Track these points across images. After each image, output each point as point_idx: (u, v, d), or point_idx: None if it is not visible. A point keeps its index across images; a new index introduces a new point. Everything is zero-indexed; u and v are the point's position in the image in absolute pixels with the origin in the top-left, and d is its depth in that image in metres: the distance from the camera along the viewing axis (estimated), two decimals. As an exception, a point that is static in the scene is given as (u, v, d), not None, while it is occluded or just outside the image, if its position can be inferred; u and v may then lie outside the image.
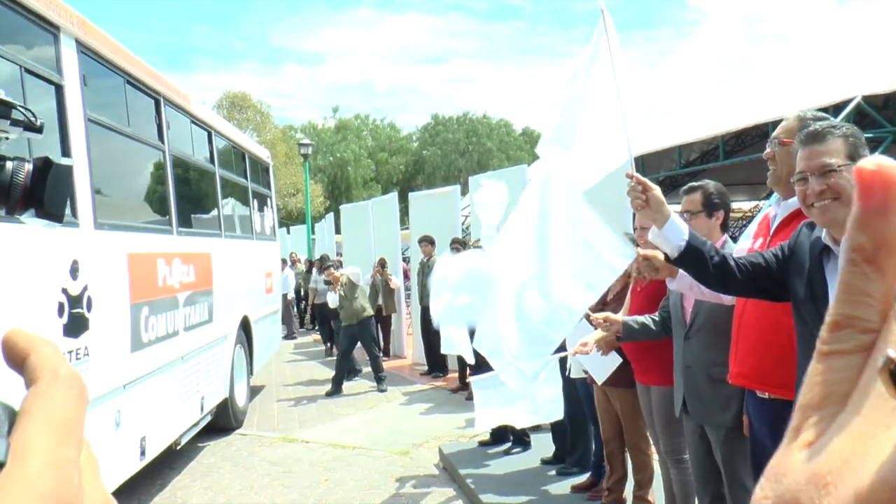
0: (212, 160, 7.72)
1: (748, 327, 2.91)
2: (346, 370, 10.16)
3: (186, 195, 6.99)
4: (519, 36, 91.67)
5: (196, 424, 6.60)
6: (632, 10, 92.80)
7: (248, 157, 9.58)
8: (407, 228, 13.15)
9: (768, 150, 2.88)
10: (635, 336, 3.90)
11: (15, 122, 1.60)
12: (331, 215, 19.86)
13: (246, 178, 9.30)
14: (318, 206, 38.75)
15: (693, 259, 2.60)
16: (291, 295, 17.51)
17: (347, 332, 10.14)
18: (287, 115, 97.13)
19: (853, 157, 2.22)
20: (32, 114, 1.65)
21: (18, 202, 1.58)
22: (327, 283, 10.82)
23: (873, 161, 0.32)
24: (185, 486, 6.26)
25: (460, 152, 53.64)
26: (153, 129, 5.99)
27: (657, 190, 2.68)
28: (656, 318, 3.89)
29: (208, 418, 7.10)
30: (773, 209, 3.00)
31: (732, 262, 2.59)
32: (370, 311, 10.26)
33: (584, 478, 5.45)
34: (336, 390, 9.92)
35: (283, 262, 18.70)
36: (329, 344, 14.97)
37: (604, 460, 5.04)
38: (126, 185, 5.80)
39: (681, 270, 2.92)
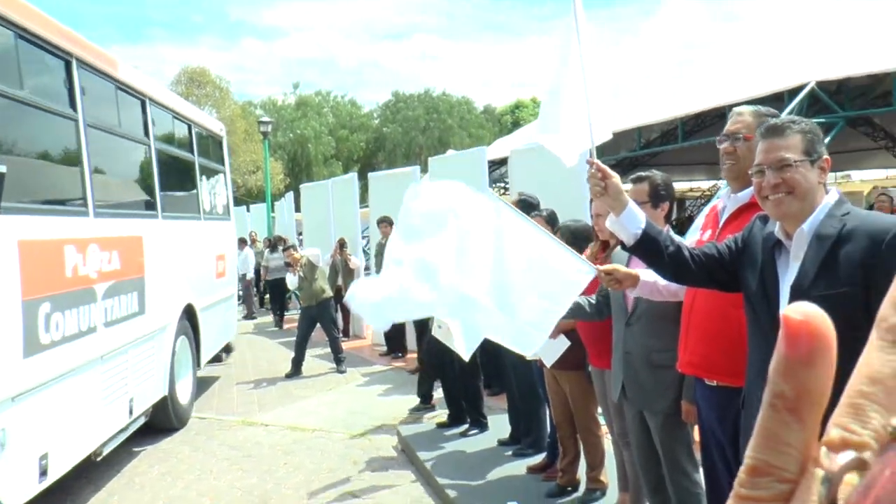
0: (146, 132, 6.90)
1: (699, 318, 2.98)
2: (304, 351, 10.16)
3: (111, 172, 6.29)
4: (481, 13, 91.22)
5: (124, 430, 5.97)
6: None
7: (196, 129, 8.76)
8: (367, 207, 13.14)
9: (727, 145, 2.91)
10: (568, 315, 3.92)
11: None
12: (290, 194, 19.71)
13: (192, 152, 8.53)
14: (279, 184, 38.47)
15: (649, 247, 2.65)
16: (251, 275, 17.38)
17: (307, 314, 10.15)
18: (246, 91, 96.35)
19: (809, 152, 2.27)
20: None
21: None
22: (287, 264, 10.78)
23: (800, 310, 0.33)
24: (143, 472, 6.25)
25: (421, 129, 53.46)
26: (62, 95, 5.26)
27: (616, 178, 2.72)
28: (592, 301, 3.95)
29: (141, 420, 6.48)
30: (722, 201, 3.06)
31: (687, 253, 2.63)
32: (329, 293, 10.27)
33: (539, 459, 5.56)
34: (295, 372, 9.93)
35: (243, 241, 18.58)
36: (279, 316, 15.42)
37: (558, 442, 5.15)
38: (22, 161, 4.75)
39: (642, 278, 3.00)
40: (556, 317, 3.09)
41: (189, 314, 7.76)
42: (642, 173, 3.74)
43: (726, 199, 3.02)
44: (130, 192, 6.83)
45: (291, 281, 10.34)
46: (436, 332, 5.70)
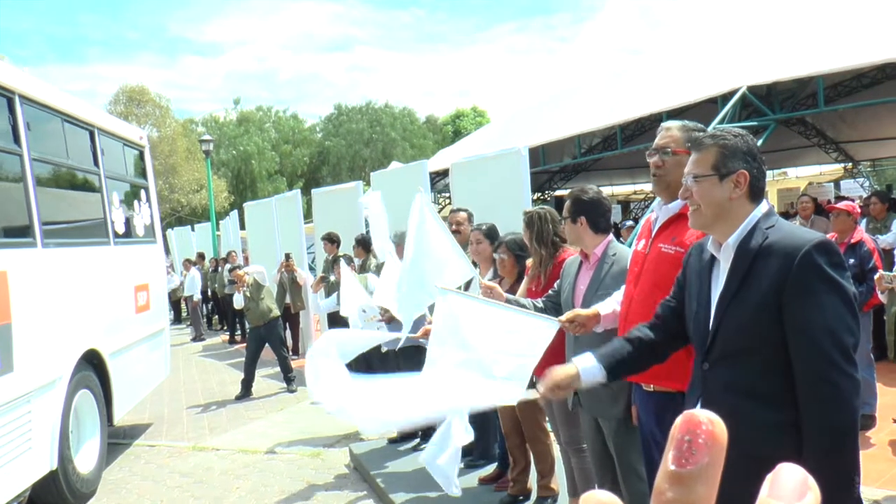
0: (15, 139, 5.47)
1: (633, 324, 3.07)
2: (254, 373, 10.08)
3: None
4: (419, 23, 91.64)
5: None
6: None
7: (102, 136, 7.29)
8: (311, 223, 13.10)
9: (656, 159, 2.98)
10: None
11: None
12: (235, 212, 19.56)
13: (96, 163, 7.08)
14: (223, 202, 38.05)
15: (625, 369, 2.67)
16: (198, 296, 17.21)
17: (254, 335, 10.05)
18: (187, 108, 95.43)
19: (717, 167, 2.34)
20: None
21: None
22: (231, 282, 10.67)
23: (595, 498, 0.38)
24: (92, 504, 6.15)
25: (364, 142, 53.43)
26: None
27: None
28: (538, 304, 4.03)
29: None
30: (655, 213, 3.16)
31: (648, 332, 2.64)
32: (276, 312, 10.17)
33: (490, 469, 5.62)
34: (245, 393, 9.85)
35: (188, 262, 18.45)
36: (230, 333, 15.65)
37: (507, 452, 5.21)
38: None
39: (602, 313, 3.20)
40: (531, 367, 3.14)
41: (93, 361, 6.51)
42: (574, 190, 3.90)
43: (658, 209, 3.11)
44: None
45: (237, 300, 10.22)
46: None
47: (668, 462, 0.38)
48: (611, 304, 3.26)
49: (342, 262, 7.09)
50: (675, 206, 2.95)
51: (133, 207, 8.18)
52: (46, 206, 5.83)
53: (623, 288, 3.22)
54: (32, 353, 5.21)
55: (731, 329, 2.25)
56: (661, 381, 2.96)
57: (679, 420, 0.39)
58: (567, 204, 3.74)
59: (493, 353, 3.13)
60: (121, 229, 7.51)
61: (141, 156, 8.86)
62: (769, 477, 0.38)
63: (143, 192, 8.68)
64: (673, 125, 3.03)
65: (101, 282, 6.79)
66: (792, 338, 2.11)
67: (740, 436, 1.95)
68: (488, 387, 3.13)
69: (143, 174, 8.90)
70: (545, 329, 3.18)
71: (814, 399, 2.09)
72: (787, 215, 11.63)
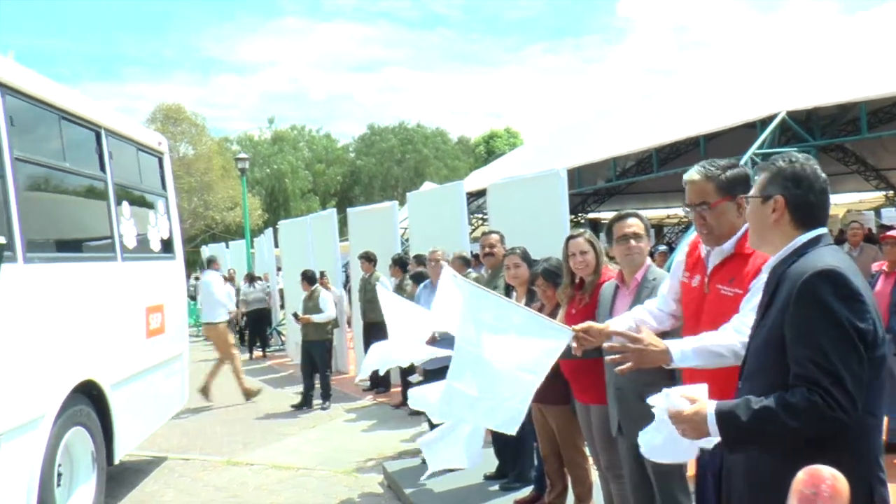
0: None
1: None
2: (312, 384, 10.36)
3: None
4: (448, 44, 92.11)
5: None
6: (560, 18, 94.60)
7: (111, 139, 6.38)
8: (346, 240, 13.19)
9: (695, 216, 2.93)
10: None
11: None
12: (270, 230, 19.73)
13: (103, 169, 6.18)
14: (257, 220, 38.41)
15: (747, 437, 2.12)
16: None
17: (306, 348, 10.39)
18: (220, 126, 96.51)
19: (761, 189, 2.33)
20: None
21: None
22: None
23: None
24: (128, 516, 6.19)
25: (396, 161, 53.79)
26: None
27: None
28: None
29: None
30: (704, 249, 3.05)
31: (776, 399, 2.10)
32: (329, 336, 10.63)
33: (526, 492, 5.57)
34: (304, 404, 10.21)
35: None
36: (258, 345, 16.55)
37: (545, 474, 5.17)
38: None
39: (612, 328, 3.06)
40: (535, 386, 3.11)
41: (91, 394, 5.57)
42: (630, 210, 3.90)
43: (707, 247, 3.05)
44: None
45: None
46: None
47: None
48: (625, 321, 3.18)
49: (379, 286, 6.87)
50: (729, 246, 2.89)
51: (149, 219, 7.26)
52: (33, 214, 4.93)
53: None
54: (4, 389, 4.35)
55: (752, 349, 2.28)
56: None
57: (802, 475, 0.40)
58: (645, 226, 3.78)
59: (504, 363, 3.11)
60: (131, 243, 6.60)
61: (160, 163, 7.88)
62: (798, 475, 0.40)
63: (161, 203, 7.72)
64: (695, 178, 2.93)
65: (102, 302, 5.87)
66: (790, 363, 2.08)
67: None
68: (493, 410, 3.14)
69: (163, 183, 7.91)
70: (557, 340, 3.11)
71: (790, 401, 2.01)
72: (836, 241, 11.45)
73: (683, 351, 2.64)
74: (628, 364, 2.68)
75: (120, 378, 5.98)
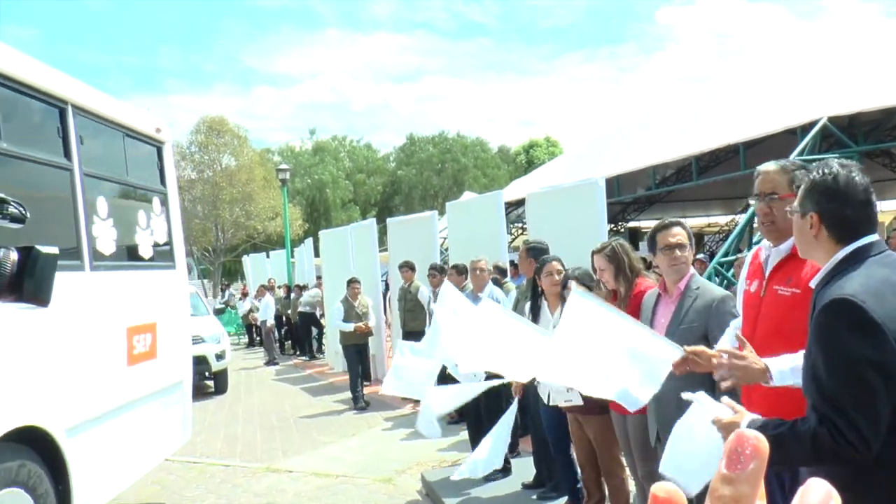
0: None
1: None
2: (360, 387, 10.79)
3: None
4: (485, 53, 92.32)
5: None
6: (598, 26, 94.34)
7: (80, 117, 4.86)
8: (385, 250, 13.27)
9: (762, 206, 2.90)
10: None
11: (3, 215, 1.59)
12: (310, 240, 19.96)
13: (68, 156, 4.69)
14: (297, 229, 38.80)
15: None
16: (271, 321, 17.61)
17: (349, 352, 10.93)
18: (261, 137, 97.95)
19: (801, 204, 2.29)
20: (23, 207, 1.62)
21: (4, 290, 1.56)
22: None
23: (664, 489, 0.49)
24: (170, 521, 6.29)
25: (436, 170, 53.99)
26: None
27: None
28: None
29: None
30: (764, 252, 3.01)
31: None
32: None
33: (563, 501, 5.56)
34: (356, 405, 10.66)
35: (263, 288, 19.03)
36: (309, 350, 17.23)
37: (582, 484, 5.16)
38: None
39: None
40: (651, 393, 3.03)
41: (37, 444, 4.09)
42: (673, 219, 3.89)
43: (767, 249, 3.02)
44: None
45: (347, 326, 10.98)
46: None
47: (721, 467, 0.50)
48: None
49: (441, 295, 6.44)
50: (787, 246, 2.83)
51: (138, 220, 5.81)
52: None
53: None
54: None
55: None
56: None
57: (732, 437, 0.51)
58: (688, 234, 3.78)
59: (616, 376, 3.08)
60: (107, 248, 5.14)
61: (159, 153, 6.36)
62: (800, 489, 0.50)
63: (157, 201, 6.19)
64: (770, 169, 2.91)
65: (57, 324, 4.29)
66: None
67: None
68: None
69: (161, 178, 6.38)
70: (668, 354, 3.07)
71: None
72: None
73: (782, 371, 2.52)
74: (729, 382, 2.60)
75: (83, 419, 4.55)
